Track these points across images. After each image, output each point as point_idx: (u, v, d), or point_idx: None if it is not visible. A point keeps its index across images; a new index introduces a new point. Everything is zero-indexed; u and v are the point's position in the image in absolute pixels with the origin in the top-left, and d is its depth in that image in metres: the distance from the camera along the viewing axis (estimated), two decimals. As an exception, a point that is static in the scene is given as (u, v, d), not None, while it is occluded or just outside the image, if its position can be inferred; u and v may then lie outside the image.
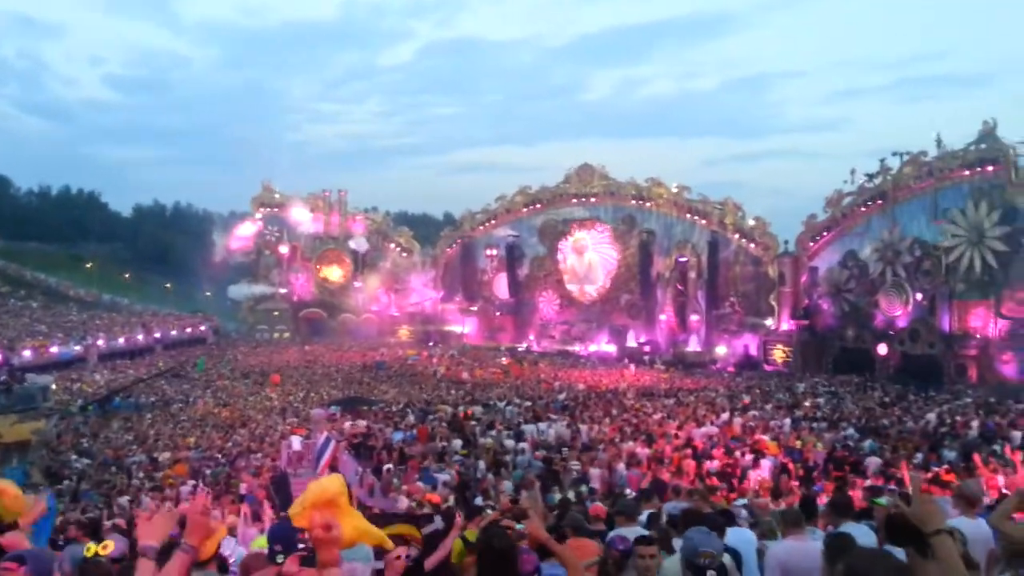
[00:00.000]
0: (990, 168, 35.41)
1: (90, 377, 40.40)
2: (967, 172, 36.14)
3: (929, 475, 11.03)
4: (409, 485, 15.00)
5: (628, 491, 11.95)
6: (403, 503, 13.72)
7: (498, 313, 55.27)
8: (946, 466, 12.39)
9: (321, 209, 62.00)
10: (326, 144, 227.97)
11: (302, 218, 61.79)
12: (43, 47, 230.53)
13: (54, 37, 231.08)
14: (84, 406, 32.47)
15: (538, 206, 54.40)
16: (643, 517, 7.26)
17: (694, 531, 4.43)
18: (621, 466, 14.64)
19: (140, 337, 53.16)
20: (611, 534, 5.94)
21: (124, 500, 16.80)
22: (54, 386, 33.63)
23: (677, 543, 5.49)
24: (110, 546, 4.58)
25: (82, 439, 26.46)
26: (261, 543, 7.86)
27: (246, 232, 64.39)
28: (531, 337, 52.88)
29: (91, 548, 6.50)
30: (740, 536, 6.78)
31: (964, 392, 29.55)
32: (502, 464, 16.63)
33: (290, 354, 49.74)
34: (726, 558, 5.27)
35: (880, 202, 39.49)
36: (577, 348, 49.98)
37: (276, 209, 62.76)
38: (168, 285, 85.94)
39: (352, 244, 60.62)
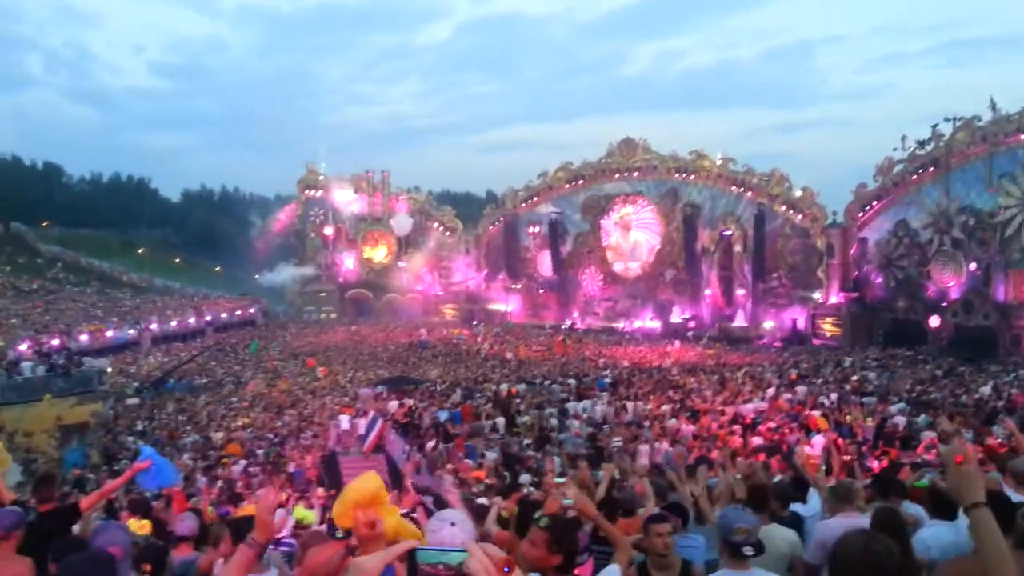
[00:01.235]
0: (1047, 131, 34.23)
1: (144, 360, 41.47)
2: (1022, 136, 34.98)
3: (982, 449, 10.79)
4: (455, 463, 15.16)
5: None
6: (449, 481, 13.88)
7: (541, 291, 55.17)
8: (1000, 440, 12.10)
9: (364, 190, 62.41)
10: (367, 125, 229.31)
11: (346, 199, 62.32)
12: (86, 36, 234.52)
13: (95, 26, 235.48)
14: (139, 388, 33.34)
15: (580, 182, 54.00)
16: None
17: (729, 508, 4.41)
18: (663, 444, 14.56)
19: (192, 320, 54.32)
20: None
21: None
22: (110, 369, 34.55)
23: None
24: (146, 526, 4.75)
25: (137, 421, 27.23)
26: (308, 517, 8.04)
27: (290, 214, 65.34)
28: (575, 314, 52.77)
29: (132, 524, 6.72)
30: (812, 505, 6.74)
31: (1020, 364, 28.80)
32: (547, 441, 16.72)
33: (337, 335, 50.42)
34: (789, 532, 5.25)
35: (932, 169, 38.43)
36: (621, 325, 49.75)
37: (320, 191, 63.36)
38: (218, 268, 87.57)
39: (395, 224, 60.99)
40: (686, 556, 4.55)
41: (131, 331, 48.02)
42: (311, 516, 8.29)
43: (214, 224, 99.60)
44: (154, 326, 49.97)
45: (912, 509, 6.25)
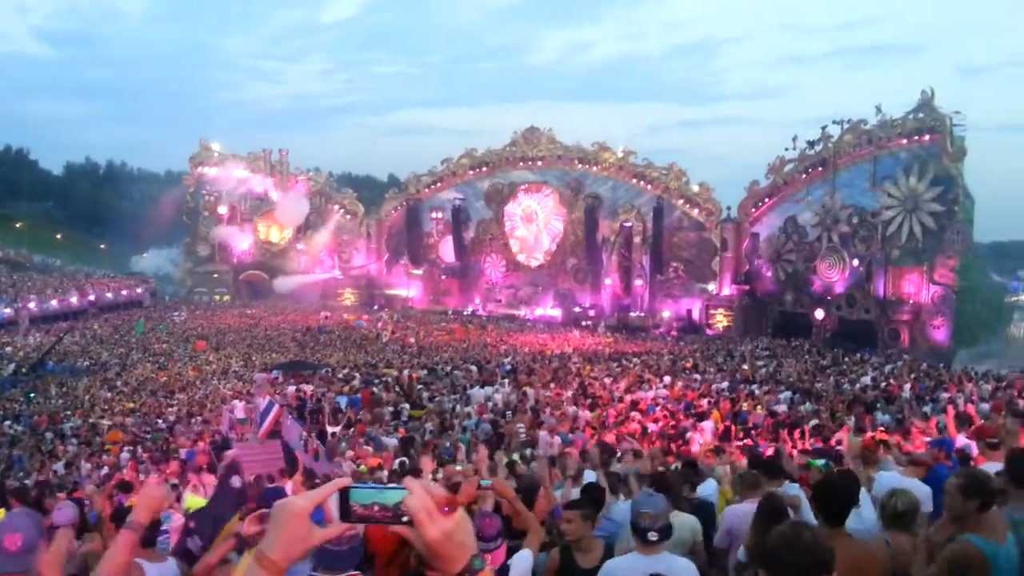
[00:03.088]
0: (927, 137, 36.31)
1: (22, 340, 39.13)
2: (905, 141, 36.99)
3: (866, 437, 11.36)
4: (355, 449, 14.93)
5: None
6: (348, 467, 13.65)
7: (444, 277, 54.97)
8: (881, 428, 12.76)
9: (262, 169, 60.50)
10: (266, 103, 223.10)
11: (241, 177, 60.20)
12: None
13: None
14: (16, 370, 31.45)
15: (484, 169, 53.96)
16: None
17: (640, 494, 4.47)
18: (543, 433, 14.66)
19: (74, 299, 51.51)
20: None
21: (60, 466, 16.40)
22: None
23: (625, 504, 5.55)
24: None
25: (15, 404, 25.68)
26: (197, 503, 7.73)
27: (182, 192, 62.72)
28: (477, 301, 52.83)
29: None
30: (708, 488, 6.92)
31: (897, 356, 30.55)
32: (448, 427, 16.67)
33: (230, 317, 48.83)
34: (691, 519, 5.35)
35: (821, 169, 40.20)
36: (523, 312, 50.13)
37: (215, 168, 61.00)
38: (103, 246, 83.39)
39: (286, 207, 59.26)
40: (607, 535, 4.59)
41: (7, 310, 45.17)
42: (201, 503, 7.97)
43: (99, 199, 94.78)
44: (32, 305, 47.14)
45: (792, 490, 6.51)
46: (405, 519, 1.36)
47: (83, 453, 17.59)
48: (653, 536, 3.96)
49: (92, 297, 53.33)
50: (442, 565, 1.37)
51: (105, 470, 14.72)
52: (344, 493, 1.41)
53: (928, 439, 9.73)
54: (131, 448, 17.29)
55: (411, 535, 1.37)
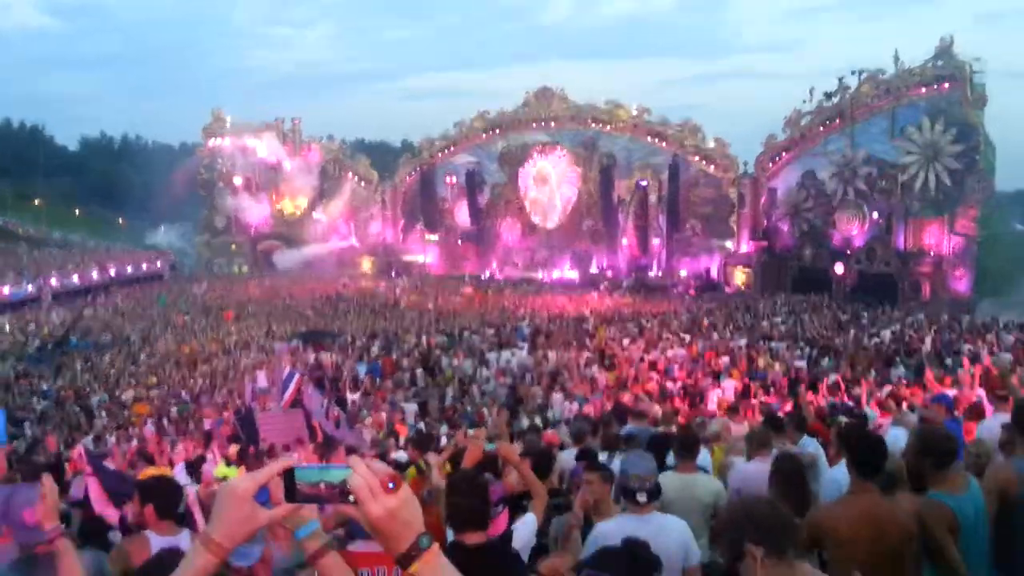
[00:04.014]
0: (946, 85, 35.59)
1: (46, 317, 39.63)
2: (924, 90, 36.29)
3: (886, 390, 11.33)
4: (375, 417, 15.09)
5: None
6: (368, 434, 13.81)
7: (460, 241, 54.90)
8: (904, 381, 12.73)
9: (276, 138, 60.38)
10: (278, 71, 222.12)
11: (255, 147, 60.16)
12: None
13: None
14: (41, 347, 31.89)
15: (497, 131, 53.53)
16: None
17: (630, 454, 4.48)
18: (558, 396, 14.73)
19: (95, 275, 52.03)
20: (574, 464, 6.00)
21: (88, 440, 16.68)
22: (7, 327, 32.88)
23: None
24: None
25: (42, 380, 26.08)
26: (231, 474, 7.86)
27: (196, 163, 62.82)
28: (494, 264, 52.78)
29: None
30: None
31: (918, 308, 30.30)
32: (467, 392, 16.79)
33: (249, 288, 49.15)
34: (701, 477, 5.35)
35: (839, 121, 39.57)
36: (540, 275, 50.05)
37: (228, 139, 60.98)
38: (120, 220, 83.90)
39: (308, 174, 59.35)
40: None
41: (29, 287, 45.72)
42: (233, 472, 8.11)
43: (115, 174, 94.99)
44: (54, 281, 47.66)
45: (810, 446, 6.52)
46: (350, 498, 1.37)
47: (110, 426, 17.89)
48: (642, 497, 3.99)
49: (112, 272, 53.86)
50: (387, 543, 1.38)
51: (134, 442, 14.96)
52: (289, 473, 1.43)
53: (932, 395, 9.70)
54: (156, 420, 17.55)
55: (356, 513, 1.37)
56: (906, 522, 3.65)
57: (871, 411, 9.88)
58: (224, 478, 7.32)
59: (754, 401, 12.90)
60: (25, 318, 38.68)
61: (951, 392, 10.11)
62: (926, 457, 3.80)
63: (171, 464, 9.67)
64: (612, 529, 3.80)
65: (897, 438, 6.03)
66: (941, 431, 4.39)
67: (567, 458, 6.73)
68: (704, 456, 6.97)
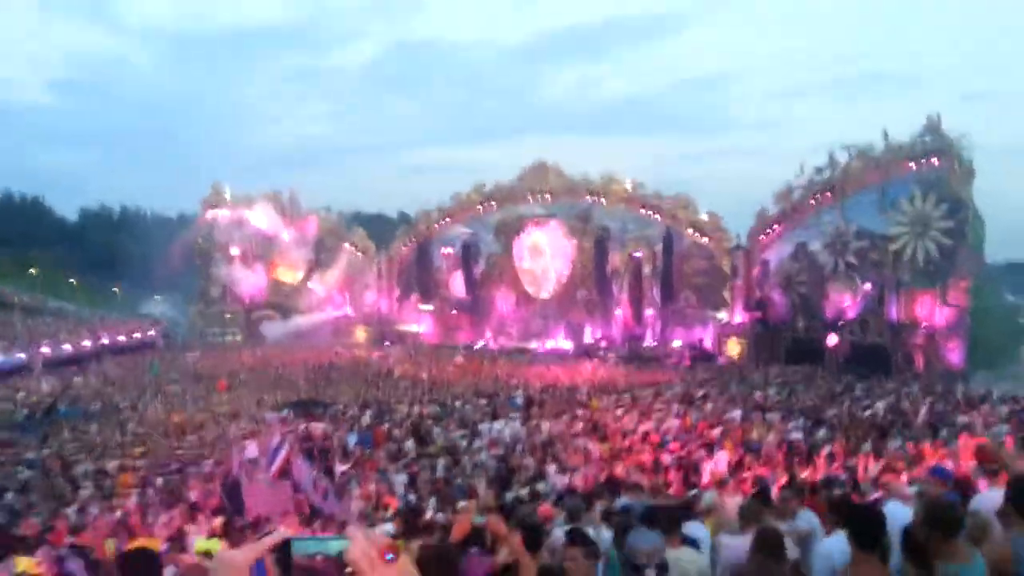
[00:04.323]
0: (935, 160, 36.26)
1: (36, 385, 39.27)
2: (913, 165, 36.95)
3: (882, 462, 11.20)
4: (364, 488, 14.84)
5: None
6: (357, 506, 13.56)
7: (454, 311, 54.99)
8: (900, 454, 12.59)
9: (273, 209, 61.03)
10: (276, 146, 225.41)
11: (253, 219, 60.77)
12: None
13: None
14: (29, 415, 31.52)
15: (493, 204, 54.20)
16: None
17: (635, 531, 4.39)
18: (552, 468, 14.53)
19: (87, 343, 51.77)
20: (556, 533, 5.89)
21: (72, 511, 16.33)
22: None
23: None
24: (34, 565, 4.37)
25: (28, 450, 25.66)
26: (212, 547, 7.67)
27: (194, 234, 63.36)
28: (488, 334, 52.73)
29: (20, 563, 6.27)
30: (696, 530, 6.79)
31: (911, 380, 30.21)
32: (458, 463, 16.54)
33: (242, 357, 48.91)
34: (686, 552, 5.24)
35: (829, 195, 40.14)
36: (534, 345, 50.00)
37: (227, 210, 61.63)
38: (116, 289, 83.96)
39: (304, 245, 59.79)
40: None
41: (20, 355, 45.44)
42: (216, 545, 7.93)
43: (113, 244, 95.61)
44: (46, 349, 47.39)
45: (805, 519, 6.41)
46: (348, 570, 1.33)
47: (96, 497, 17.53)
48: (651, 573, 3.88)
49: (105, 340, 53.61)
50: None
51: (118, 514, 14.64)
52: (286, 545, 1.39)
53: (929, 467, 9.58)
54: (141, 491, 17.23)
55: None
56: None
57: (866, 485, 9.76)
58: (207, 552, 7.16)
59: (747, 473, 12.75)
60: (15, 386, 38.33)
61: (949, 463, 10.00)
62: (934, 528, 3.77)
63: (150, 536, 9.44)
64: None
65: (893, 512, 5.94)
66: (947, 502, 4.37)
67: (559, 534, 6.60)
68: (699, 528, 6.86)
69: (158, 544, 7.62)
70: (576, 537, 5.40)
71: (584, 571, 4.25)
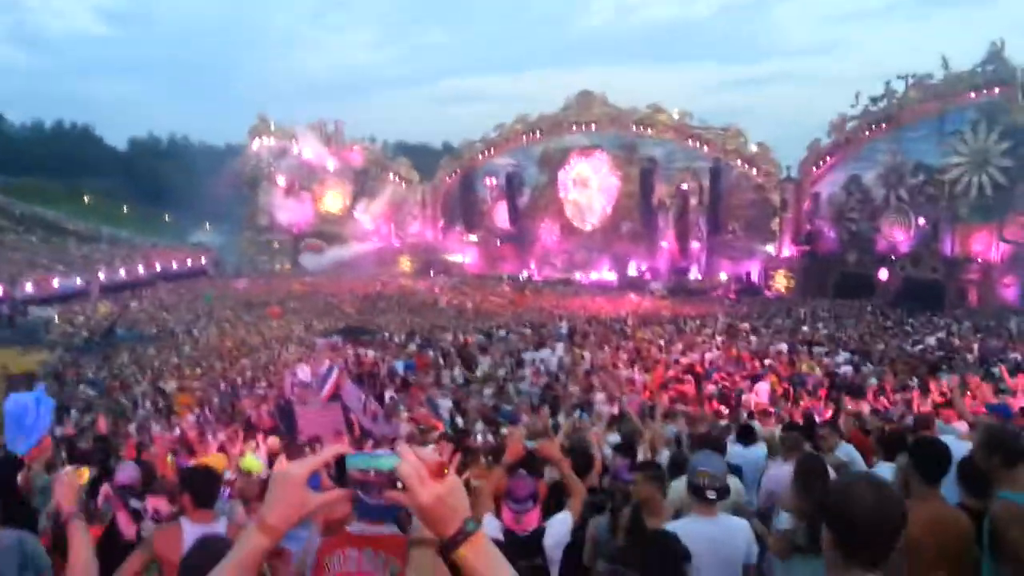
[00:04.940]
0: (997, 90, 34.84)
1: (93, 309, 40.56)
2: (973, 94, 35.54)
3: (930, 399, 11.11)
4: (412, 411, 15.18)
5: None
6: (405, 429, 13.90)
7: (499, 242, 55.07)
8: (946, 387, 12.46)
9: (318, 139, 61.22)
10: (319, 74, 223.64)
11: (298, 149, 61.10)
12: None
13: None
14: (88, 338, 32.66)
15: (538, 134, 53.65)
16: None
17: (700, 453, 4.45)
18: (599, 396, 14.63)
19: (141, 270, 53.17)
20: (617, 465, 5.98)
21: (132, 428, 17.01)
22: (56, 319, 33.69)
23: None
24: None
25: (88, 371, 26.69)
26: (255, 466, 7.96)
27: (241, 164, 64.02)
28: (532, 266, 52.84)
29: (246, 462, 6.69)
30: (739, 453, 6.88)
31: (963, 316, 29.67)
32: (504, 391, 16.78)
33: (291, 285, 49.81)
34: (732, 480, 5.31)
35: (884, 126, 38.93)
36: (578, 276, 50.00)
37: (272, 140, 62.00)
38: (167, 218, 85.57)
39: (349, 175, 60.07)
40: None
41: (79, 280, 46.88)
42: (258, 465, 8.20)
43: (162, 173, 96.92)
44: (102, 275, 48.81)
45: (845, 451, 6.44)
46: (399, 484, 1.42)
47: (153, 416, 18.22)
48: (711, 495, 3.96)
49: (158, 267, 54.97)
50: (436, 528, 1.43)
51: (177, 431, 15.21)
52: (340, 460, 1.47)
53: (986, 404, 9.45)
54: (198, 410, 17.84)
55: (405, 499, 1.42)
56: (969, 528, 3.57)
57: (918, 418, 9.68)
58: (249, 471, 7.43)
59: (790, 406, 12.74)
60: (73, 310, 39.62)
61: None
62: (994, 455, 3.59)
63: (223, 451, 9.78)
64: (682, 531, 3.72)
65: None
66: (1009, 429, 4.18)
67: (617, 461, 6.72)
68: (759, 449, 6.94)
69: (223, 462, 7.93)
70: (640, 462, 5.49)
71: (647, 494, 4.32)
